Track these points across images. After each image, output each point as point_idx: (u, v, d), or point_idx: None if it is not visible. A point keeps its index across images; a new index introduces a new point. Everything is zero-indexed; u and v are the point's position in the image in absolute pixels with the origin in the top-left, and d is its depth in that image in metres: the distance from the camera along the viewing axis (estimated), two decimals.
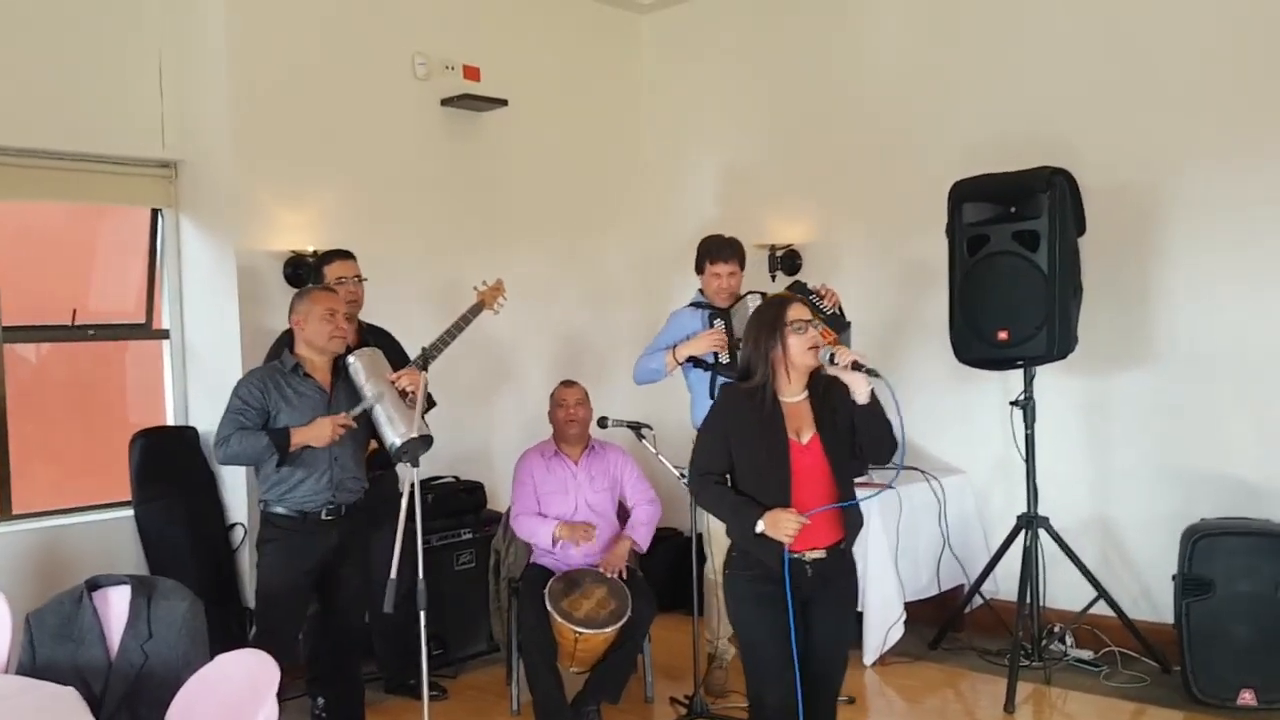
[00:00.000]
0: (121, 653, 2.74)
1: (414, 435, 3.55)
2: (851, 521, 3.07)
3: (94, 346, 4.96)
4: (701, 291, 4.64)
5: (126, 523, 4.72)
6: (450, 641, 4.95)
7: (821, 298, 4.36)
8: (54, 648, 2.72)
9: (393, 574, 3.23)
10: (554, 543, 4.26)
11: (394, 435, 3.59)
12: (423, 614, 3.30)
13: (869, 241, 5.67)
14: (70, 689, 2.29)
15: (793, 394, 3.04)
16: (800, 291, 4.40)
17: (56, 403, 4.99)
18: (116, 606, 2.82)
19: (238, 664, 2.18)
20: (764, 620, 2.97)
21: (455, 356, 5.06)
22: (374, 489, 4.40)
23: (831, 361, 2.99)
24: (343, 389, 3.81)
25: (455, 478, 5.27)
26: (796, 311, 3.03)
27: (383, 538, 4.11)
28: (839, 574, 3.06)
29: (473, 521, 5.07)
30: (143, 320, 5.06)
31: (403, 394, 3.70)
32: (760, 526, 2.92)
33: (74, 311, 4.82)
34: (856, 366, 2.97)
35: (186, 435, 4.93)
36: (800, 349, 2.98)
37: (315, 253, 4.88)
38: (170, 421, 5.02)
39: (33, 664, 2.70)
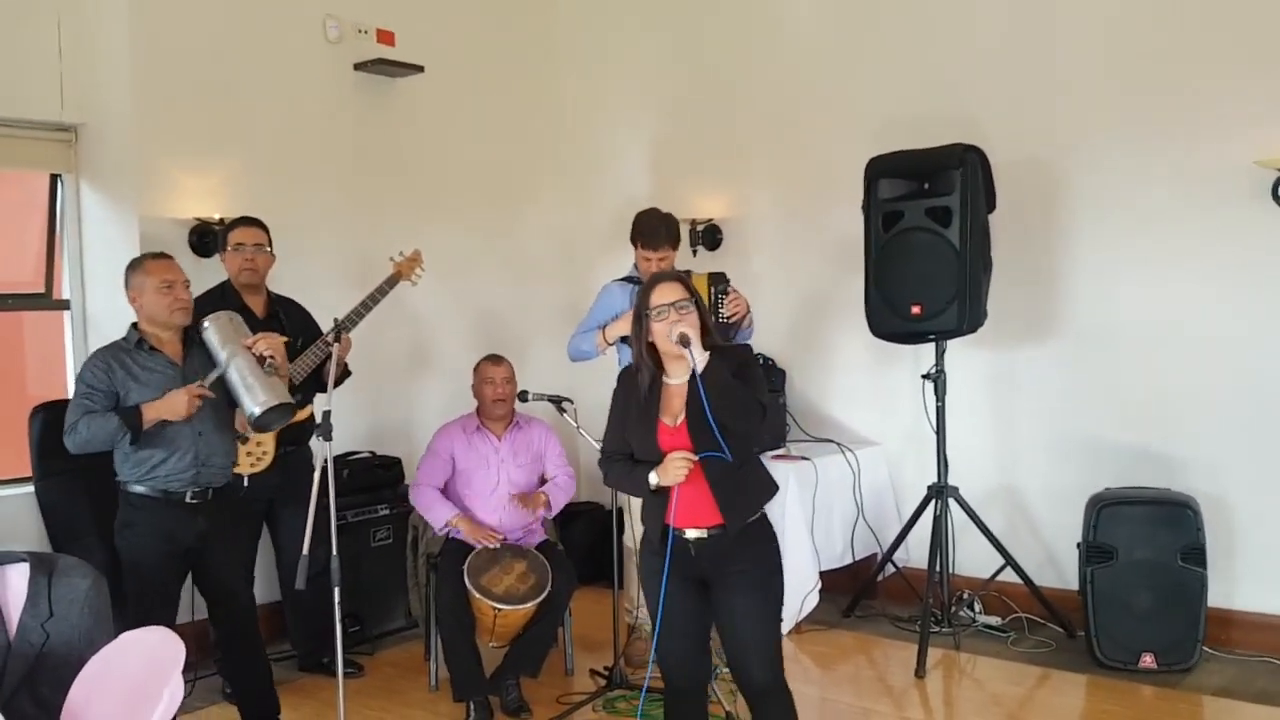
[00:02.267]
0: (20, 632, 2.63)
1: (274, 403, 3.37)
2: (732, 506, 2.97)
3: None
4: (636, 266, 4.61)
5: (26, 499, 4.55)
6: (367, 618, 4.90)
7: (725, 298, 4.29)
8: None
9: (305, 550, 3.15)
10: (444, 526, 4.23)
11: (253, 404, 3.38)
12: (336, 591, 3.24)
13: (789, 217, 5.71)
14: None
15: (675, 376, 3.00)
16: (718, 282, 4.38)
17: None
18: (15, 585, 2.71)
19: (141, 642, 2.11)
20: (654, 594, 3.02)
21: (374, 330, 4.98)
22: (285, 465, 4.32)
23: (683, 344, 2.90)
24: (197, 358, 3.62)
25: (372, 453, 5.20)
26: (660, 295, 2.97)
27: (295, 514, 4.04)
28: (735, 559, 2.98)
29: (390, 497, 5.02)
30: (42, 290, 4.87)
31: (260, 359, 3.46)
32: (654, 480, 2.93)
33: None
34: (683, 342, 2.90)
35: None
36: (661, 335, 2.95)
37: (222, 220, 4.74)
38: (71, 394, 4.84)
39: None
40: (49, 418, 4.62)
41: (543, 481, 4.46)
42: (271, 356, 3.46)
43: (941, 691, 4.39)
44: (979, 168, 4.56)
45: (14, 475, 4.63)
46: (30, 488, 4.55)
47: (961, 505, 4.80)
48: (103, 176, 4.73)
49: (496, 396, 4.33)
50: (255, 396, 3.40)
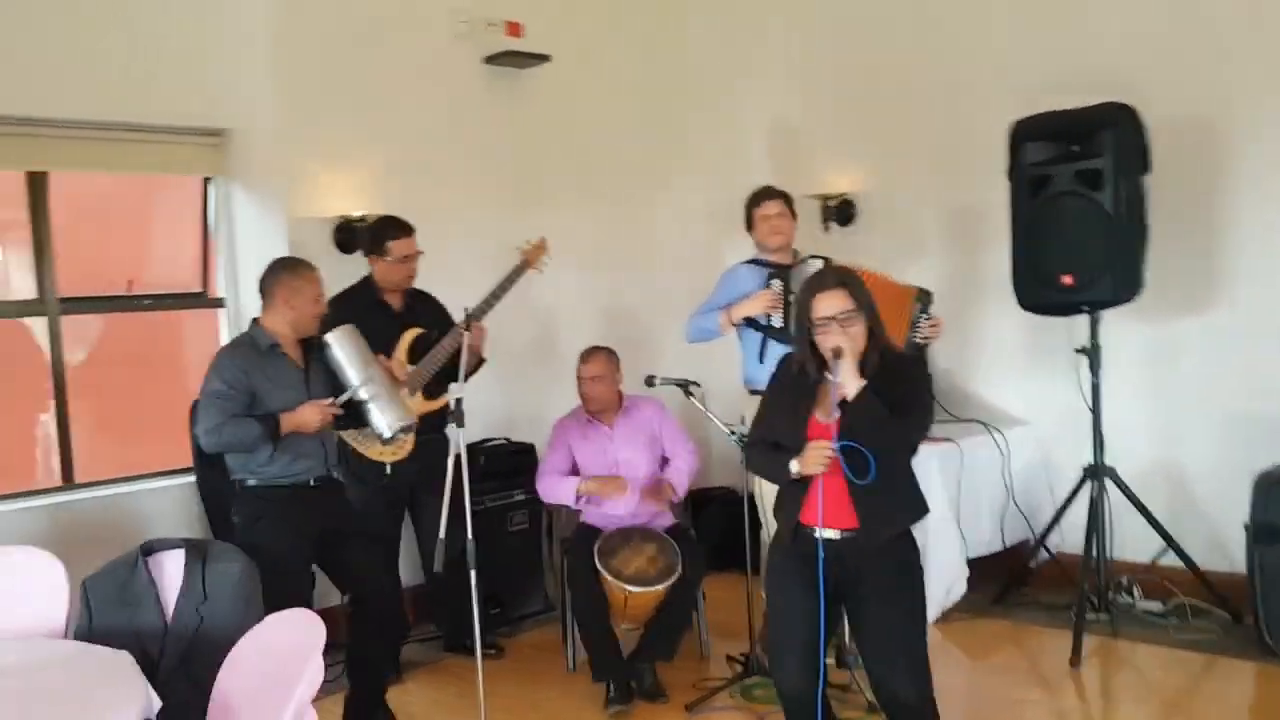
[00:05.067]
0: (177, 615, 2.77)
1: (403, 424, 3.62)
2: (871, 513, 2.85)
3: (156, 316, 5.02)
4: (758, 246, 4.54)
5: (189, 489, 4.77)
6: (507, 601, 4.97)
7: (926, 319, 4.21)
8: (111, 613, 2.76)
9: (441, 535, 3.20)
10: (578, 498, 4.25)
11: (384, 426, 3.55)
12: (473, 574, 3.28)
13: (927, 188, 5.52)
14: (125, 653, 2.31)
15: (851, 387, 2.85)
16: (924, 300, 4.26)
17: (119, 372, 5.07)
18: (171, 570, 2.85)
19: (285, 623, 2.18)
20: (779, 592, 2.95)
21: (508, 319, 5.04)
22: (424, 452, 4.41)
23: (835, 356, 2.84)
24: (317, 367, 3.72)
25: (507, 439, 5.27)
26: (823, 305, 2.87)
27: (434, 500, 4.13)
28: (872, 569, 2.86)
29: (525, 483, 5.06)
30: (199, 289, 5.10)
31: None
32: (794, 468, 2.86)
33: (130, 282, 4.88)
34: (836, 355, 2.82)
35: None
36: (822, 345, 2.88)
37: (363, 217, 4.87)
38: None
39: (90, 629, 2.75)
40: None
41: (664, 463, 4.43)
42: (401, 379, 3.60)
43: (1098, 681, 4.19)
44: (1131, 127, 4.30)
45: (177, 466, 4.87)
46: (192, 478, 4.78)
47: (1119, 486, 4.55)
48: (251, 178, 4.92)
49: (585, 393, 4.38)
50: (387, 417, 3.55)
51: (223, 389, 3.56)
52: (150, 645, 2.72)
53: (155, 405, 5.11)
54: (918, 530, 2.99)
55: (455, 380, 4.55)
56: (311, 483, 3.69)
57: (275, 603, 3.53)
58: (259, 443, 3.53)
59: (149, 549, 2.87)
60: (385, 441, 3.64)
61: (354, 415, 3.75)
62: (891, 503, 2.87)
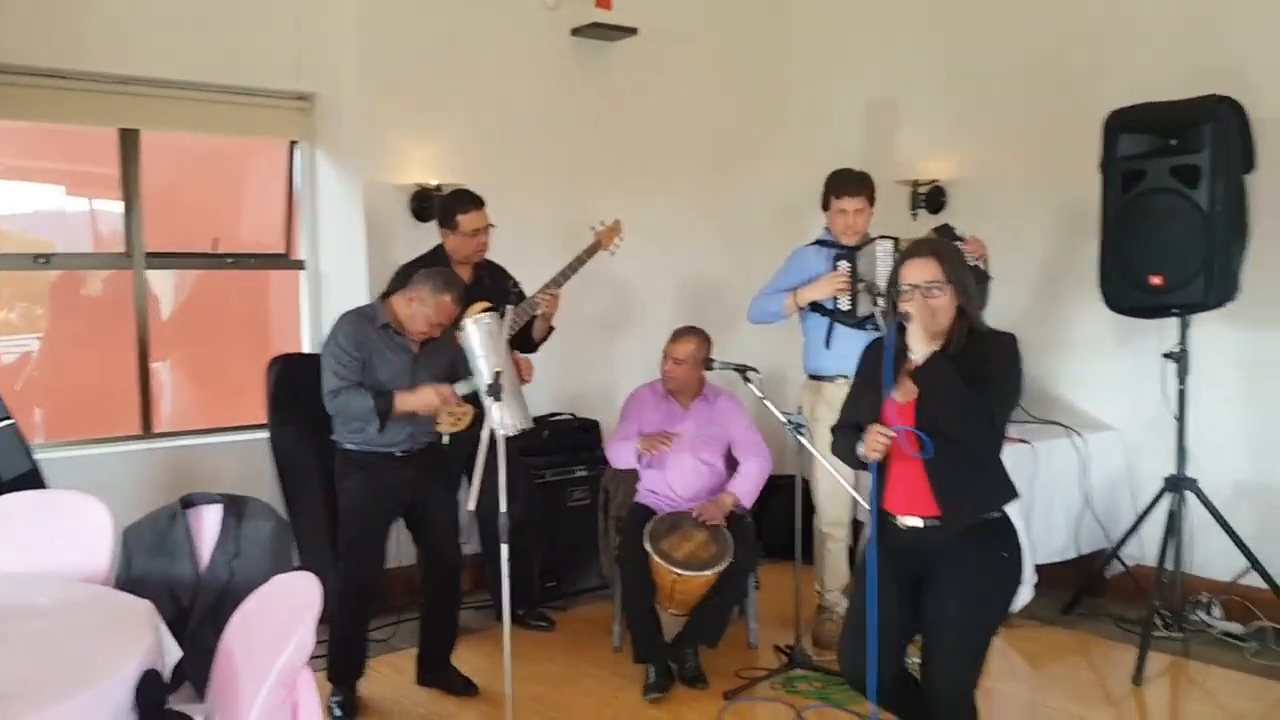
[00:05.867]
0: (210, 568, 2.84)
1: (524, 427, 3.54)
2: (950, 497, 2.73)
3: (243, 275, 5.16)
4: (828, 229, 4.44)
5: (262, 445, 4.90)
6: (563, 576, 5.00)
7: (965, 243, 4.09)
8: (148, 561, 2.84)
9: (471, 506, 3.21)
10: (638, 458, 4.24)
11: (507, 425, 3.41)
12: (505, 547, 3.28)
13: (1022, 179, 5.29)
14: (146, 602, 2.37)
15: (918, 352, 2.75)
16: (946, 235, 4.15)
17: (204, 328, 5.23)
18: (209, 524, 2.92)
19: (288, 586, 2.21)
20: (860, 583, 2.85)
21: (582, 294, 5.04)
22: (483, 423, 4.43)
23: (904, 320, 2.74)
24: (431, 350, 3.82)
25: (572, 415, 5.27)
26: (911, 272, 2.77)
27: (491, 470, 4.15)
28: (954, 558, 2.73)
29: (587, 459, 5.08)
30: (282, 251, 5.22)
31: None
32: (860, 449, 2.79)
33: (215, 240, 5.02)
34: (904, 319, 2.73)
35: (319, 362, 5.07)
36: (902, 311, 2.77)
37: (439, 187, 4.91)
38: (306, 349, 5.18)
39: (128, 576, 2.84)
40: (284, 369, 4.95)
41: (729, 461, 4.36)
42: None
43: (1166, 702, 3.99)
44: (1234, 122, 4.04)
45: (254, 422, 5.00)
46: (267, 434, 4.90)
47: (1201, 499, 4.31)
48: (334, 143, 5.00)
49: (667, 372, 4.31)
50: (511, 418, 3.45)
51: (340, 353, 3.71)
52: (182, 595, 2.79)
53: (240, 361, 5.26)
54: None
55: (528, 351, 4.62)
56: (399, 454, 3.79)
57: (349, 559, 3.78)
58: (369, 417, 3.66)
59: (189, 501, 2.95)
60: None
61: (472, 403, 3.79)
62: (971, 487, 2.75)
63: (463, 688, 3.97)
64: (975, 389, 2.66)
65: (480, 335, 3.52)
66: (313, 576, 2.15)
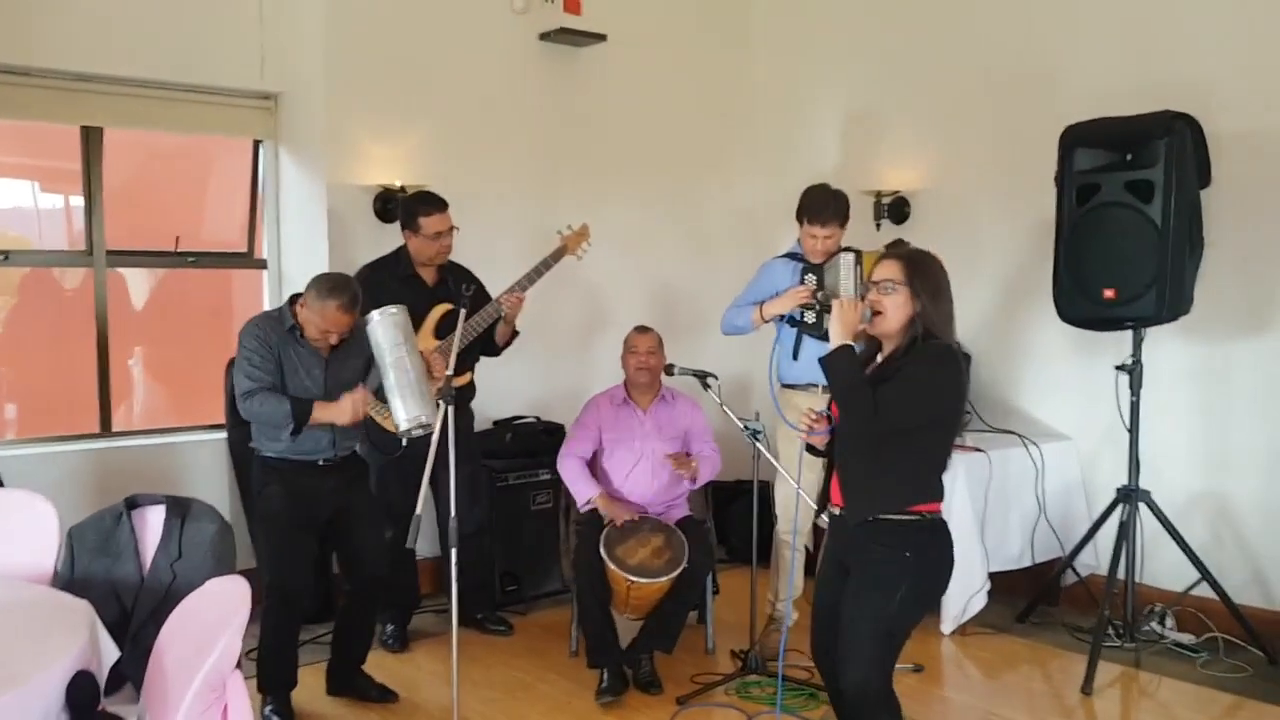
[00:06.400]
0: (153, 570, 2.84)
1: (425, 422, 3.42)
2: (851, 491, 2.84)
3: (207, 274, 5.14)
4: (799, 242, 4.47)
5: (222, 445, 4.88)
6: (524, 579, 5.00)
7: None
8: (91, 562, 2.84)
9: (417, 510, 3.17)
10: (585, 504, 4.23)
11: (401, 418, 3.42)
12: (454, 551, 3.27)
13: (985, 191, 5.34)
14: (85, 602, 2.36)
15: (832, 342, 2.87)
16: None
17: (166, 328, 5.21)
18: (152, 525, 2.92)
19: (219, 590, 2.20)
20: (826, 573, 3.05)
21: (550, 298, 5.04)
22: (444, 425, 4.42)
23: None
24: (346, 353, 3.70)
25: (537, 418, 5.28)
26: (877, 270, 2.87)
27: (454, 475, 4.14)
28: (859, 552, 2.83)
29: (551, 463, 5.04)
30: (245, 250, 5.20)
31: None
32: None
33: (177, 239, 4.99)
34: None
35: None
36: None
37: (403, 188, 4.90)
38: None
39: (71, 577, 2.83)
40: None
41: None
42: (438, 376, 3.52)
43: (1112, 711, 4.02)
44: (1188, 137, 4.10)
45: (214, 422, 4.97)
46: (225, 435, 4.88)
47: (1154, 510, 4.36)
48: (298, 143, 4.99)
49: (639, 365, 4.29)
50: (409, 409, 3.43)
51: (252, 356, 3.60)
52: (125, 597, 2.79)
53: (200, 361, 5.23)
54: None
55: (489, 353, 4.62)
56: (320, 463, 3.72)
57: (273, 568, 3.69)
58: (283, 422, 3.56)
59: (133, 502, 2.94)
60: (400, 433, 3.60)
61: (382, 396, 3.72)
62: (872, 483, 2.83)
63: (380, 695, 3.90)
64: (882, 387, 2.75)
65: (384, 328, 3.46)
66: (243, 580, 2.14)
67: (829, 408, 2.93)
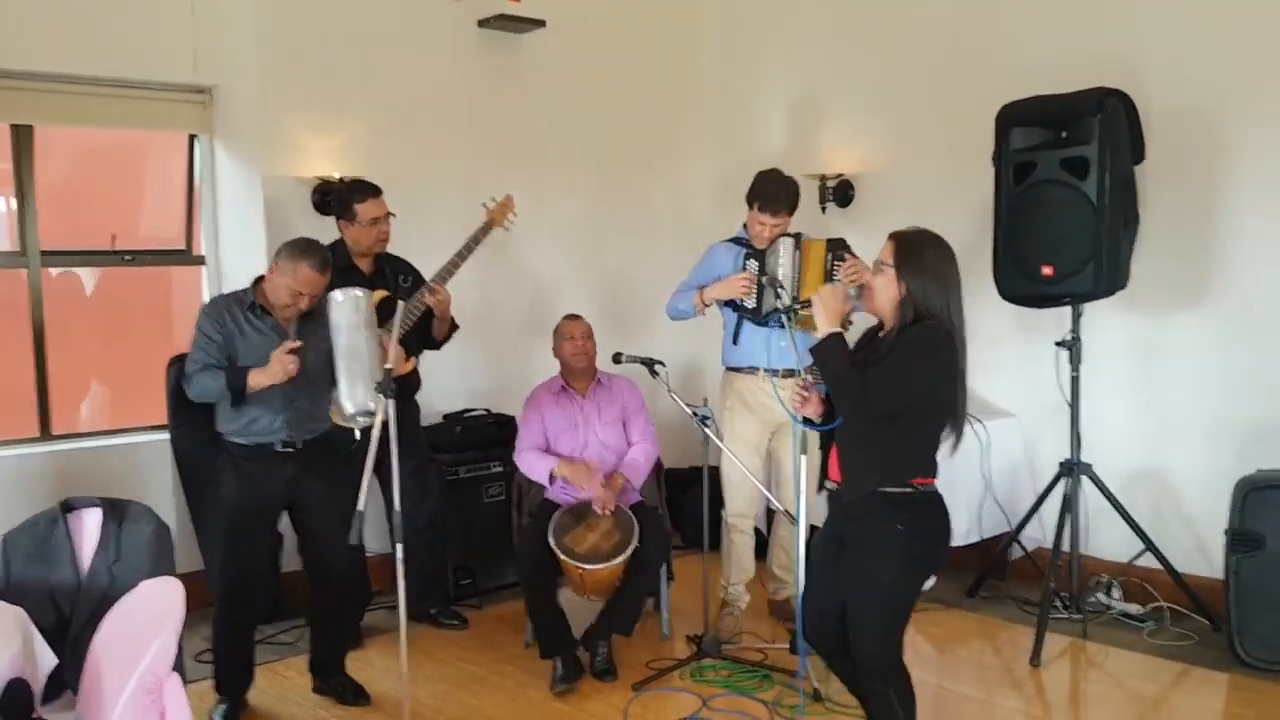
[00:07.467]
0: (91, 574, 2.78)
1: (369, 408, 3.39)
2: (847, 466, 2.92)
3: (145, 272, 5.04)
4: (745, 226, 4.47)
5: (165, 446, 4.79)
6: (478, 572, 4.97)
7: (840, 264, 4.12)
8: (27, 568, 2.77)
9: (360, 506, 3.12)
10: (552, 480, 4.20)
11: (347, 402, 3.41)
12: (399, 546, 3.23)
13: (927, 172, 5.37)
14: (18, 608, 2.31)
15: (819, 331, 2.97)
16: (838, 249, 4.18)
17: (106, 327, 5.10)
18: (89, 528, 2.86)
19: (152, 591, 2.17)
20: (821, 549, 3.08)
21: (494, 289, 4.99)
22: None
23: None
24: (305, 329, 3.63)
25: (487, 410, 5.25)
26: (881, 252, 2.97)
27: (400, 467, 4.09)
28: (856, 527, 2.90)
29: (502, 455, 5.03)
30: (182, 247, 5.12)
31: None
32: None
33: (113, 236, 4.90)
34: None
35: None
36: None
37: (341, 180, 4.85)
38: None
39: (6, 583, 2.76)
40: (183, 369, 4.86)
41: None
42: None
43: (1066, 684, 4.09)
44: (1122, 114, 4.15)
45: (157, 422, 4.88)
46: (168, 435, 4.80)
47: (1096, 483, 4.43)
48: (233, 137, 4.91)
49: (575, 351, 4.31)
50: (355, 396, 3.40)
51: (201, 338, 3.60)
52: (63, 602, 2.73)
53: (141, 361, 5.14)
54: None
55: (431, 346, 4.57)
56: (279, 448, 3.65)
57: (226, 558, 3.64)
58: (223, 394, 3.54)
59: (68, 505, 2.88)
60: (346, 418, 3.56)
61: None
62: (867, 457, 2.90)
63: (353, 697, 3.87)
64: (872, 370, 2.80)
65: (343, 310, 3.43)
66: (177, 581, 2.11)
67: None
